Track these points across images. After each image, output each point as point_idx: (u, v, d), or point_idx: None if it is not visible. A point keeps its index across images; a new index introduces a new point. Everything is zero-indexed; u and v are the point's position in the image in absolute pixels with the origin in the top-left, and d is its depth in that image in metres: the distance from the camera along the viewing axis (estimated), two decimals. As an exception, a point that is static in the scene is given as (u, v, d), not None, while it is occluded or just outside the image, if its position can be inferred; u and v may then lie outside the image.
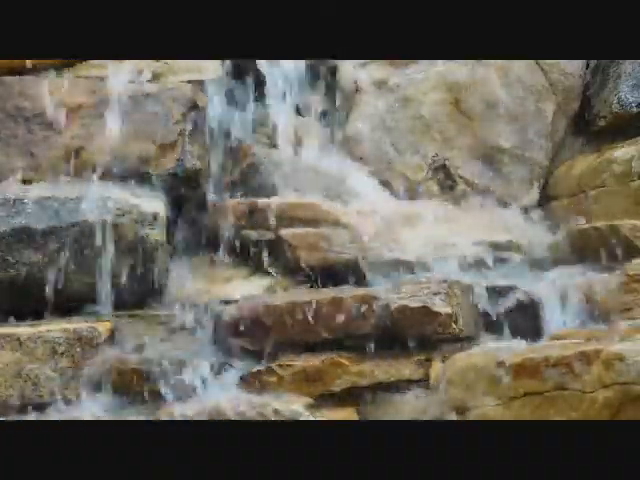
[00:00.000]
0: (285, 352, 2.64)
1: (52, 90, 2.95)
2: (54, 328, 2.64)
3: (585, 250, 2.77)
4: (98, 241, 2.73)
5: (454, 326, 2.61)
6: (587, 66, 3.18)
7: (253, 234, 2.88)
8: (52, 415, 2.57)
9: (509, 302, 2.69)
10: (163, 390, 2.59)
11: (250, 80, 3.11)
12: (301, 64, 3.13)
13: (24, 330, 2.64)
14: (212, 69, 3.05)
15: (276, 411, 2.52)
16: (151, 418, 2.54)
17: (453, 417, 2.47)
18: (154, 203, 2.82)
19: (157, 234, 2.79)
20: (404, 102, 3.15)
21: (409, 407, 2.59)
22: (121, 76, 2.97)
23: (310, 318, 2.63)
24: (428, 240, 2.85)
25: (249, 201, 2.92)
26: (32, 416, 2.56)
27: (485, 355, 2.51)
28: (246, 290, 2.81)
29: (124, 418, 2.55)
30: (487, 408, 2.42)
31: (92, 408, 2.59)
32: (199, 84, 3.02)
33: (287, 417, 2.50)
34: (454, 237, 2.87)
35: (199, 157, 2.96)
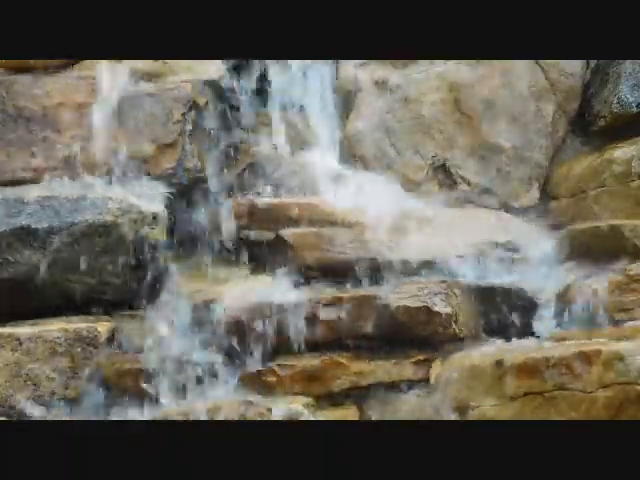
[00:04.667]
0: (285, 352, 2.64)
1: (52, 90, 2.96)
2: (54, 328, 2.65)
3: (585, 250, 2.77)
4: (98, 241, 2.73)
5: (454, 326, 2.61)
6: (587, 66, 3.17)
7: (253, 234, 2.88)
8: (52, 415, 2.57)
9: (509, 302, 2.69)
10: (163, 390, 2.60)
11: (251, 80, 3.11)
12: (302, 64, 3.12)
13: (24, 330, 2.64)
14: (212, 69, 3.04)
15: (276, 411, 2.52)
16: (151, 418, 2.54)
17: (453, 417, 2.47)
18: (154, 203, 2.82)
19: (157, 234, 2.80)
20: (404, 102, 3.15)
21: (409, 407, 2.59)
22: (121, 76, 2.97)
23: (310, 318, 2.63)
24: (428, 240, 2.85)
25: (249, 201, 2.92)
26: (32, 416, 2.56)
27: (485, 355, 2.51)
28: (246, 290, 2.80)
29: (123, 418, 2.55)
30: (487, 408, 2.43)
31: (92, 408, 2.60)
32: (199, 84, 3.02)
33: (287, 417, 2.50)
34: (454, 237, 2.87)
35: (199, 157, 2.96)
